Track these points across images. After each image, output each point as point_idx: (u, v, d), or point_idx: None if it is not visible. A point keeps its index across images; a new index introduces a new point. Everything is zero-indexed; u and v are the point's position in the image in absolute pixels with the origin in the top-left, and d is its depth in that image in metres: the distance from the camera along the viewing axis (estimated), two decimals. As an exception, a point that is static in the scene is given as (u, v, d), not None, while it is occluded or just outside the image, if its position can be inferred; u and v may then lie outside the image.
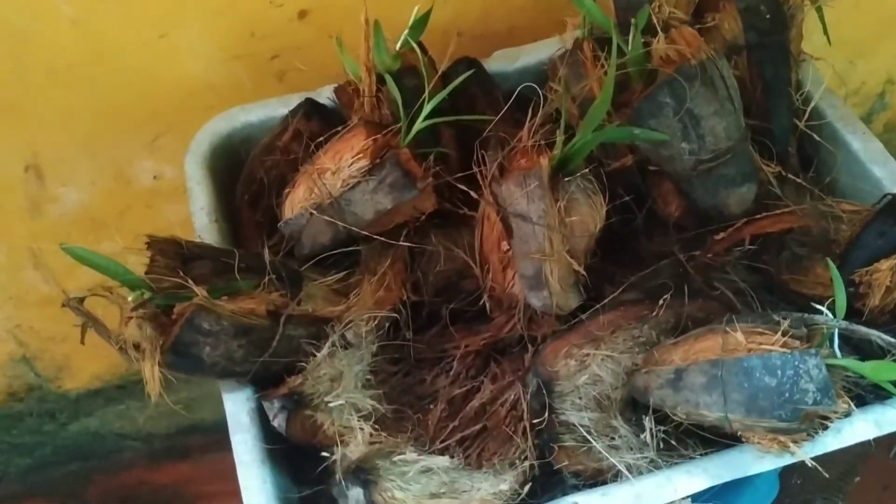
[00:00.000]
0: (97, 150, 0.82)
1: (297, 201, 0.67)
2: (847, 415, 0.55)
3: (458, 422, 0.63)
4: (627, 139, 0.65)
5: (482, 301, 0.68)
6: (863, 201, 0.70)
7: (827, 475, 1.23)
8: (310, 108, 0.72)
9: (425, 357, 0.67)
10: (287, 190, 0.67)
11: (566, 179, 0.61)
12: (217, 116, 0.74)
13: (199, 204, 0.69)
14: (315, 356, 0.58)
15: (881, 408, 0.59)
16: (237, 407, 0.58)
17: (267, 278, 0.57)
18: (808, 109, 0.70)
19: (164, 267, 0.55)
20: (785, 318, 0.55)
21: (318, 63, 0.81)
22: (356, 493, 0.50)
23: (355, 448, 0.53)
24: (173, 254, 0.56)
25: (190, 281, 0.53)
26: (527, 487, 0.56)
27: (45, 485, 1.23)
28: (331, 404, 0.54)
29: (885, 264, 0.61)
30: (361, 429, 0.54)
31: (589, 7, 0.70)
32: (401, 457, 0.53)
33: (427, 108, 0.65)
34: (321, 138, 0.68)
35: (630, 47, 0.66)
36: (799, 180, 0.68)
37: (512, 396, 0.64)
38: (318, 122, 0.73)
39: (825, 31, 0.76)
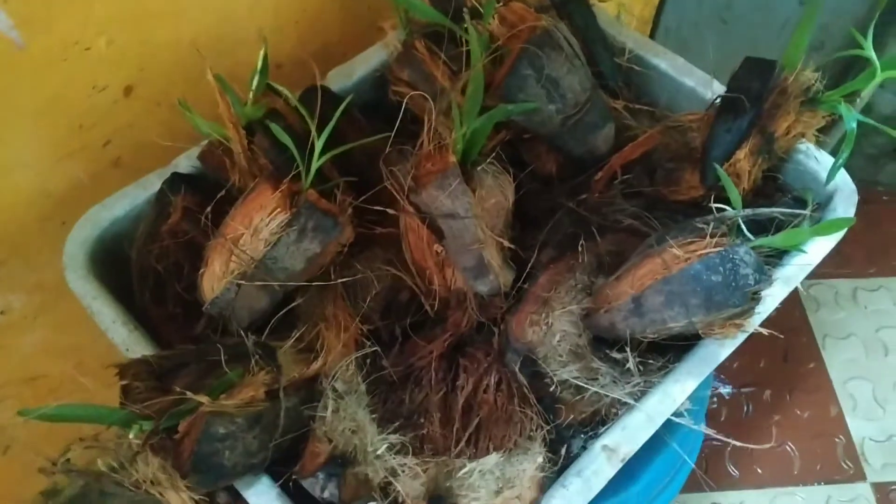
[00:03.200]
0: (-67, 307, 0.71)
1: (216, 278, 0.64)
2: (771, 283, 0.65)
3: (458, 424, 0.65)
4: (506, 116, 0.69)
5: (423, 310, 0.70)
6: (685, 110, 0.81)
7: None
8: (184, 182, 0.69)
9: (393, 380, 0.68)
10: (201, 271, 0.64)
11: (479, 169, 0.65)
12: (79, 222, 0.68)
13: (109, 318, 0.63)
14: (322, 417, 0.57)
15: (782, 268, 0.70)
16: (264, 499, 0.55)
17: (253, 361, 0.54)
18: (627, 49, 0.79)
19: (144, 390, 0.51)
20: (706, 224, 0.63)
21: (149, 138, 0.76)
22: (441, 521, 0.51)
23: (411, 483, 0.53)
24: (146, 374, 0.52)
25: (189, 393, 0.50)
26: (563, 449, 0.60)
27: None
28: (378, 452, 0.53)
29: (741, 154, 0.71)
30: (405, 465, 0.54)
31: (419, 6, 0.73)
32: (462, 470, 0.54)
33: (319, 144, 0.64)
34: (208, 208, 0.66)
35: (470, 35, 0.70)
36: (644, 108, 0.77)
37: (493, 380, 0.67)
38: (191, 195, 0.69)
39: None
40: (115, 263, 0.68)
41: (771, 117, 0.72)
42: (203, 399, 0.50)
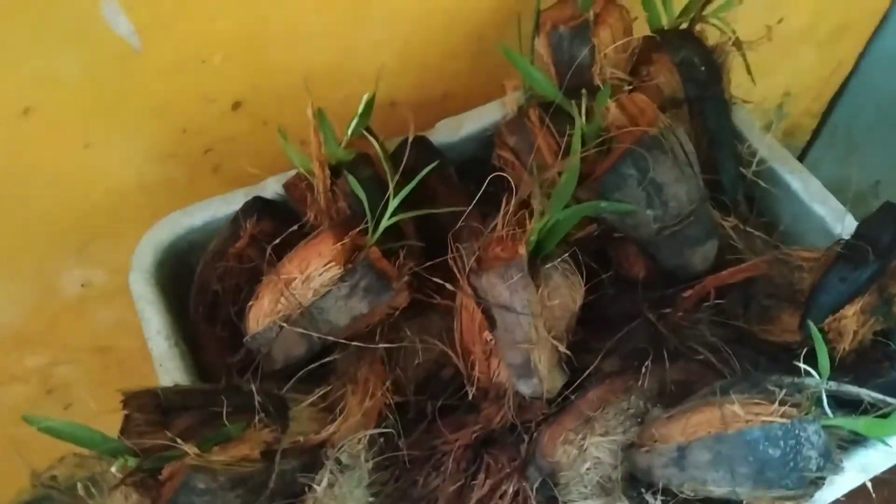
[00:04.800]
0: (20, 268, 0.75)
1: (262, 314, 0.63)
2: (838, 472, 0.57)
3: (463, 522, 0.61)
4: (596, 213, 0.65)
5: (463, 391, 0.67)
6: (807, 239, 0.74)
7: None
8: (261, 207, 0.69)
9: (414, 458, 0.65)
10: (250, 303, 0.64)
11: (548, 266, 0.61)
12: (157, 224, 0.69)
13: (154, 327, 0.64)
14: (314, 489, 0.55)
15: (864, 451, 0.61)
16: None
17: (257, 418, 0.53)
18: (756, 160, 0.72)
19: (143, 424, 0.51)
20: (779, 386, 0.56)
21: (253, 151, 0.77)
22: None
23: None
24: (151, 407, 0.52)
25: (179, 440, 0.49)
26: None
27: None
28: (352, 545, 0.51)
29: (850, 310, 0.63)
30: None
31: (536, 77, 0.70)
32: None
33: (393, 204, 0.63)
34: (276, 241, 0.65)
35: (575, 122, 0.66)
36: (756, 232, 0.70)
37: (511, 488, 0.63)
38: (268, 222, 0.69)
39: (749, 72, 0.79)
40: (179, 272, 0.70)
41: (895, 277, 0.63)
42: (191, 450, 0.49)
